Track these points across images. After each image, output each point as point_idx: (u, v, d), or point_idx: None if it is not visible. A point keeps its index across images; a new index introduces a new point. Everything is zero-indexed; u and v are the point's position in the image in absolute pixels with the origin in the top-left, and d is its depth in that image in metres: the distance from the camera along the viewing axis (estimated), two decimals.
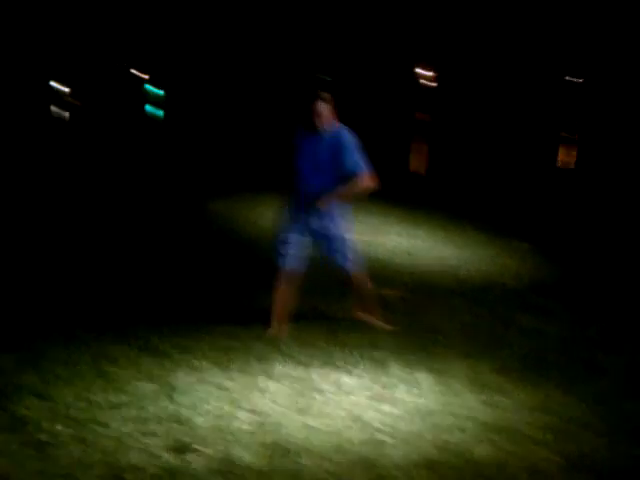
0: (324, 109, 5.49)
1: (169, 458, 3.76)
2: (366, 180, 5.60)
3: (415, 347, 5.50)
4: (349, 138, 5.57)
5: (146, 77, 23.71)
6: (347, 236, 5.76)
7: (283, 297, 5.60)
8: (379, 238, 9.64)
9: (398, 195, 13.81)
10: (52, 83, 20.29)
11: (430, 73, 20.12)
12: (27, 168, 12.95)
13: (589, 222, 12.15)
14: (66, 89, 21.84)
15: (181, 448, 3.86)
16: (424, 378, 4.90)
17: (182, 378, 4.63)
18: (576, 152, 19.04)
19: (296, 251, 5.60)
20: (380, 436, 4.11)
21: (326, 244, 5.67)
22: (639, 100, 16.38)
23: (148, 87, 23.14)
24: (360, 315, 5.90)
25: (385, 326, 5.83)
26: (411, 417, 4.37)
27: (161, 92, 23.51)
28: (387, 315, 6.20)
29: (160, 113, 23.35)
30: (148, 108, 22.99)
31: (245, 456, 3.83)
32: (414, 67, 19.87)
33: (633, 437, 4.35)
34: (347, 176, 5.54)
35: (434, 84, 20.24)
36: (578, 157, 19.02)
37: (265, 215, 10.37)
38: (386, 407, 4.46)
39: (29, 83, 19.75)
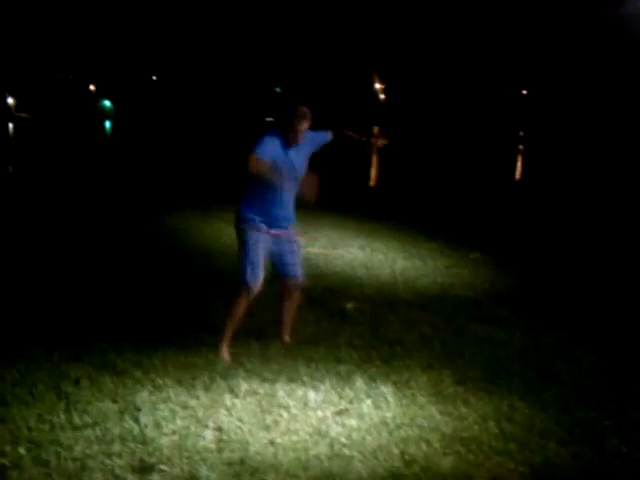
0: (304, 126, 5.39)
1: (132, 478, 3.71)
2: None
3: (378, 360, 5.52)
4: (311, 133, 5.57)
5: (93, 88, 23.44)
6: (299, 249, 5.72)
7: (240, 318, 5.44)
8: (337, 251, 9.69)
9: (355, 207, 13.92)
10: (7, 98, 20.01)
11: (379, 85, 20.34)
12: None
13: (540, 231, 12.41)
14: (11, 101, 21.49)
15: (146, 468, 3.82)
16: (388, 391, 4.92)
17: (145, 397, 4.57)
18: (521, 163, 19.42)
19: (260, 268, 5.43)
20: (347, 451, 4.12)
21: (284, 257, 5.56)
22: (582, 111, 16.82)
23: (104, 102, 22.93)
24: (286, 340, 5.77)
25: (290, 343, 5.74)
26: (377, 431, 4.38)
27: (109, 103, 23.27)
28: (346, 329, 6.25)
29: (107, 125, 23.10)
30: (106, 124, 22.79)
31: (211, 475, 3.80)
32: (371, 81, 20.08)
33: (595, 445, 4.43)
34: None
35: (382, 96, 20.46)
36: (524, 168, 19.41)
37: (218, 229, 10.35)
38: (352, 422, 4.47)
39: None
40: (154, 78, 21.78)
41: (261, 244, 5.36)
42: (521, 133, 18.63)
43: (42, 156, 17.87)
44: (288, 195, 5.41)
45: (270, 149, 5.25)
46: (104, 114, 23.16)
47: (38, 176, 14.79)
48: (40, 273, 7.40)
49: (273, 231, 5.42)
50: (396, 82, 18.63)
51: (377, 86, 19.17)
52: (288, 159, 5.38)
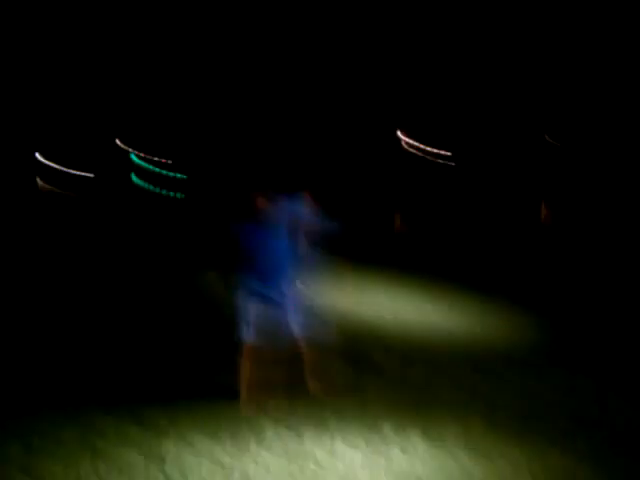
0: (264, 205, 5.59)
1: None
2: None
3: (406, 408, 5.43)
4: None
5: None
6: (302, 299, 5.71)
7: (248, 373, 5.42)
8: (364, 301, 9.63)
9: (380, 256, 13.87)
10: (38, 156, 20.40)
11: (409, 140, 20.41)
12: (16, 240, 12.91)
13: (572, 277, 12.24)
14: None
15: None
16: (417, 438, 4.83)
17: (171, 447, 4.53)
18: (546, 207, 19.34)
19: (258, 323, 5.47)
20: None
21: (284, 310, 5.54)
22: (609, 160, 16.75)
23: (133, 157, 23.32)
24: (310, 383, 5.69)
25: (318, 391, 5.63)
26: (406, 477, 4.28)
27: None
28: (374, 378, 6.18)
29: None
30: (134, 178, 23.12)
31: None
32: (395, 131, 20.18)
33: None
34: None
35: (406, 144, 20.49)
36: (553, 214, 19.29)
37: None
38: (381, 472, 4.38)
39: (15, 155, 19.86)
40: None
41: (249, 307, 5.47)
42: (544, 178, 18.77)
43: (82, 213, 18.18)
44: (271, 265, 5.52)
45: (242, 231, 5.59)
46: (133, 165, 23.59)
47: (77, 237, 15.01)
48: (77, 329, 7.44)
49: (266, 291, 5.49)
50: (419, 132, 18.92)
51: (402, 135, 19.46)
52: (259, 235, 5.58)
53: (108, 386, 5.59)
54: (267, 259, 5.55)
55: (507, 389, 6.07)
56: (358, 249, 14.43)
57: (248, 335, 5.43)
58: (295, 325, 5.57)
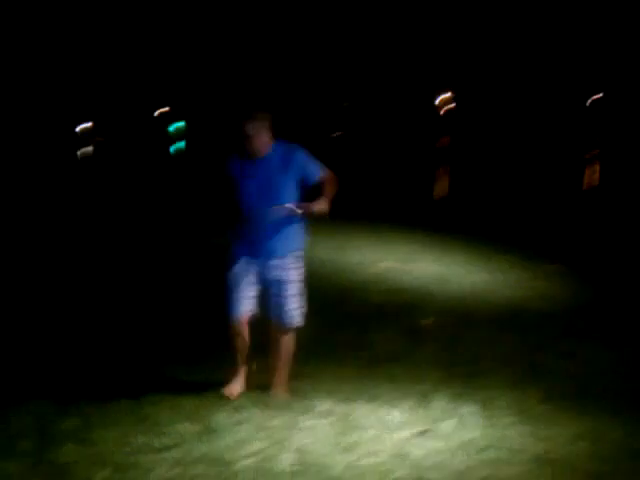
0: (256, 130, 4.65)
1: None
2: (333, 178, 4.81)
3: (459, 378, 5.36)
4: (297, 150, 4.79)
5: (166, 110, 23.85)
6: (298, 284, 4.87)
7: (242, 350, 4.87)
8: (411, 265, 9.54)
9: (423, 221, 13.73)
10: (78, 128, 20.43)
11: (448, 94, 20.03)
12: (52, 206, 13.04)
13: (618, 240, 11.98)
14: (89, 124, 21.94)
15: None
16: (472, 411, 4.75)
17: (223, 418, 4.51)
18: (599, 169, 18.89)
19: (243, 298, 4.78)
20: (430, 474, 3.96)
21: (277, 290, 4.80)
22: None
23: (175, 125, 23.24)
24: (278, 392, 4.95)
25: (284, 395, 4.93)
26: (462, 453, 4.21)
27: (182, 124, 23.63)
28: (424, 345, 6.11)
29: (181, 145, 23.46)
30: (173, 148, 23.13)
31: None
32: (434, 91, 19.83)
33: None
34: (309, 186, 4.79)
35: (452, 105, 20.16)
36: (602, 174, 18.86)
37: None
38: (435, 443, 4.31)
39: (55, 127, 19.95)
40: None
41: (244, 273, 4.75)
42: (594, 140, 18.22)
43: (116, 179, 18.26)
44: (262, 220, 4.70)
45: (226, 165, 4.79)
46: (175, 136, 23.55)
47: (112, 200, 15.09)
48: (125, 289, 7.50)
49: (254, 266, 4.76)
50: (465, 90, 18.44)
51: (446, 95, 19.01)
52: (252, 170, 4.70)
53: (162, 355, 5.60)
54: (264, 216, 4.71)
55: (561, 358, 5.96)
56: (400, 214, 14.30)
57: (227, 309, 4.81)
58: (274, 312, 4.86)
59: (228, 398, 4.74)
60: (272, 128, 4.75)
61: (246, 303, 4.77)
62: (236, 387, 4.84)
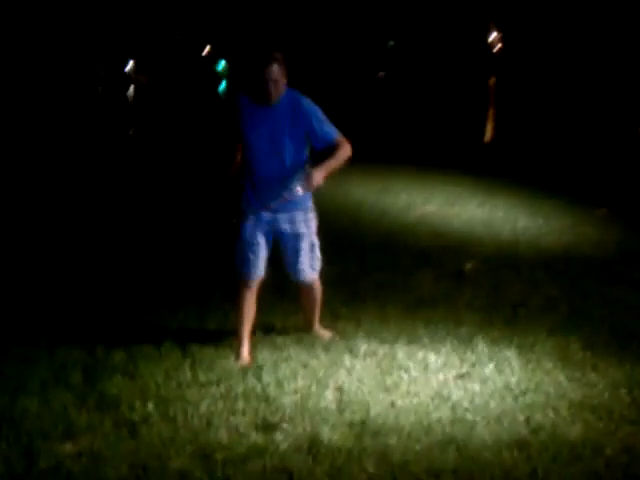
0: (278, 73, 4.29)
1: (256, 437, 3.75)
2: (347, 147, 4.44)
3: (501, 323, 5.37)
4: (309, 103, 4.44)
5: (209, 49, 23.70)
6: (314, 237, 4.66)
7: (250, 315, 4.64)
8: (455, 209, 9.49)
9: (470, 164, 13.57)
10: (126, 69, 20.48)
11: (495, 35, 19.50)
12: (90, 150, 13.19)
13: None
14: (130, 63, 21.95)
15: (268, 427, 3.84)
16: (512, 355, 4.77)
17: (267, 356, 4.61)
18: None
19: (257, 258, 4.54)
20: (470, 416, 4.02)
21: (289, 246, 4.60)
22: None
23: (219, 63, 23.15)
24: (319, 331, 4.96)
25: (328, 333, 4.96)
26: (501, 396, 4.25)
27: (221, 67, 23.49)
28: (466, 290, 6.11)
29: (221, 87, 23.37)
30: (220, 88, 23.06)
31: (332, 436, 3.78)
32: (483, 32, 19.34)
33: None
34: (317, 148, 4.48)
35: (499, 46, 19.65)
36: None
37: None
38: (475, 386, 4.36)
39: (104, 67, 20.03)
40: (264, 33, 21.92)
41: (254, 232, 4.51)
42: None
43: (160, 118, 18.34)
44: (278, 170, 4.41)
45: (233, 108, 4.45)
46: (219, 75, 23.46)
47: (156, 139, 15.20)
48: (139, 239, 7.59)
49: (265, 218, 4.52)
50: (514, 31, 17.83)
51: (493, 36, 18.44)
52: (262, 118, 4.38)
53: (206, 293, 5.70)
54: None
55: (605, 305, 5.91)
56: (447, 156, 14.16)
57: (239, 270, 4.58)
58: (293, 268, 4.65)
59: (245, 366, 4.48)
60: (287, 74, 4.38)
61: (261, 266, 4.55)
62: (247, 353, 4.60)
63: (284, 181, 4.39)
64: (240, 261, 4.56)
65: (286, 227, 4.55)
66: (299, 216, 4.55)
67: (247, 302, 4.60)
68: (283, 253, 4.65)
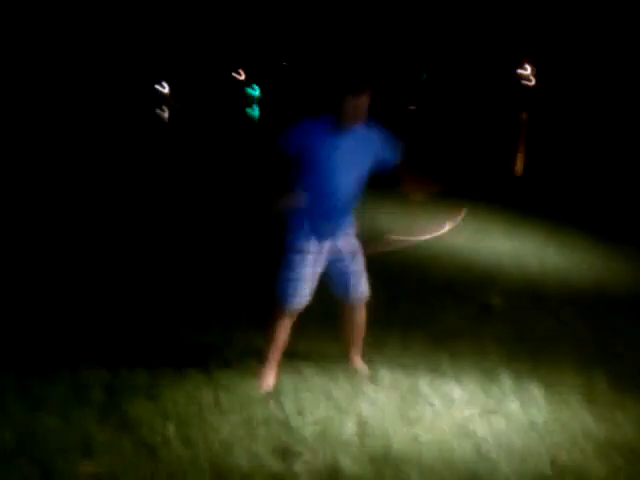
0: (363, 104, 4.34)
1: (275, 464, 3.72)
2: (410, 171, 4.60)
3: (526, 357, 5.30)
4: (380, 129, 4.54)
5: (242, 78, 23.98)
6: (361, 255, 4.66)
7: (284, 342, 4.62)
8: (483, 242, 9.43)
9: (499, 197, 13.51)
10: (156, 86, 20.78)
11: (529, 69, 19.50)
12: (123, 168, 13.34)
13: None
14: (166, 90, 22.26)
15: (287, 454, 3.81)
16: (537, 391, 4.70)
17: (289, 383, 4.58)
18: None
19: (306, 286, 4.49)
20: (494, 454, 3.95)
21: (339, 276, 4.61)
22: None
23: (248, 90, 23.43)
24: (355, 363, 4.88)
25: (364, 368, 4.85)
26: (525, 433, 4.19)
27: (257, 92, 23.76)
28: (491, 323, 6.05)
29: (256, 113, 23.62)
30: (249, 111, 23.31)
31: (352, 466, 3.74)
32: (515, 66, 19.35)
33: None
34: (385, 170, 4.57)
35: (532, 81, 19.64)
36: None
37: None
38: (499, 421, 4.29)
39: (135, 86, 20.35)
40: (285, 64, 22.32)
41: (309, 261, 4.46)
42: None
43: (194, 143, 18.54)
44: (342, 196, 4.43)
45: (305, 133, 4.38)
46: (251, 100, 23.73)
47: (192, 161, 15.36)
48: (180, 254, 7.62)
49: (325, 247, 4.49)
50: (548, 66, 17.80)
51: (526, 70, 18.41)
52: (339, 146, 4.37)
53: (232, 318, 5.68)
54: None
55: (634, 344, 5.82)
56: (477, 188, 14.10)
57: (284, 298, 4.51)
58: (349, 290, 4.65)
59: (266, 391, 4.47)
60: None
61: (307, 295, 4.50)
62: (272, 379, 4.57)
63: (348, 208, 4.50)
64: (288, 291, 4.47)
65: (344, 246, 4.54)
66: (351, 237, 4.59)
67: (285, 329, 4.56)
68: (339, 275, 4.60)
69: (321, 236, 4.46)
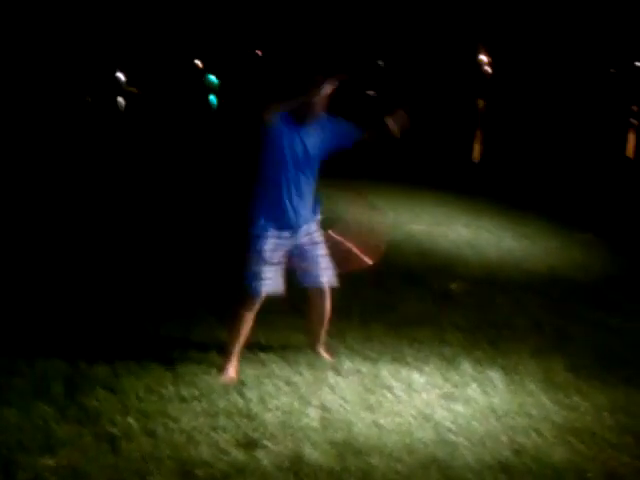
0: (324, 95, 4.43)
1: (238, 454, 3.72)
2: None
3: (485, 343, 5.37)
4: (330, 116, 4.62)
5: (200, 64, 23.75)
6: (324, 244, 4.73)
7: (247, 333, 4.63)
8: (442, 229, 9.51)
9: (458, 184, 13.63)
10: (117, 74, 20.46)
11: (485, 57, 19.69)
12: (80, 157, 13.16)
13: None
14: (122, 77, 21.95)
15: (250, 444, 3.82)
16: (496, 376, 4.77)
17: (250, 372, 4.58)
18: (635, 139, 18.46)
19: (270, 276, 4.53)
20: (453, 437, 4.01)
21: (308, 255, 4.65)
22: None
23: (210, 77, 23.21)
24: (321, 352, 4.92)
25: (328, 357, 4.89)
26: (485, 417, 4.25)
27: (214, 78, 23.57)
28: (451, 310, 6.12)
29: (214, 100, 23.44)
30: (212, 98, 23.11)
31: (315, 454, 3.76)
32: (475, 54, 19.50)
33: None
34: (348, 144, 4.64)
35: (489, 69, 19.85)
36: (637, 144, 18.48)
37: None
38: (459, 406, 4.35)
39: (95, 74, 20.06)
40: (258, 53, 22.09)
41: (274, 252, 4.53)
42: (635, 108, 17.72)
43: (151, 130, 18.33)
44: (304, 188, 4.53)
45: (280, 126, 4.44)
46: (209, 89, 23.54)
47: (148, 150, 15.20)
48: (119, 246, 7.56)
49: (287, 236, 4.56)
50: (504, 53, 17.97)
51: (482, 58, 18.56)
52: (299, 140, 4.47)
53: (189, 308, 5.67)
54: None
55: (589, 328, 5.93)
56: (434, 176, 14.21)
57: (249, 288, 4.55)
58: (314, 278, 4.69)
59: (228, 383, 4.44)
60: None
61: (271, 284, 4.54)
62: (234, 371, 4.57)
63: (307, 199, 4.57)
64: (251, 276, 4.52)
65: (304, 239, 4.62)
66: (313, 227, 4.66)
67: (248, 319, 4.59)
68: (300, 264, 4.66)
69: (281, 224, 4.53)
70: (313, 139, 4.51)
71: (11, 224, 8.07)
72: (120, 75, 20.78)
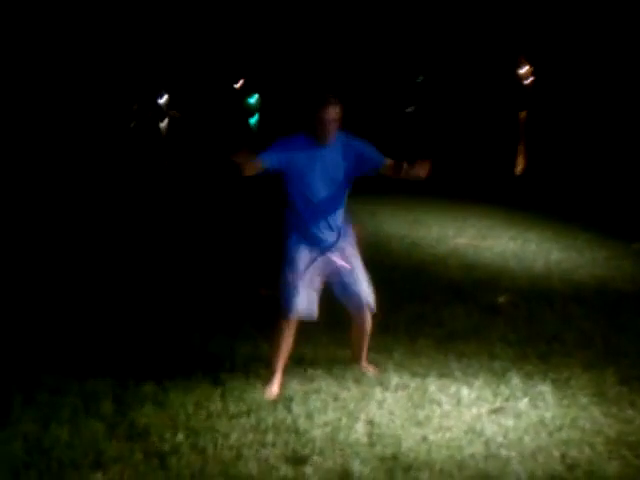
0: (335, 115, 4.48)
1: (287, 470, 3.71)
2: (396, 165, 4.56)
3: (535, 357, 5.28)
4: (354, 138, 4.64)
5: (241, 83, 23.97)
6: (361, 265, 4.72)
7: (288, 348, 4.63)
8: (487, 242, 9.42)
9: (503, 197, 13.51)
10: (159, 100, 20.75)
11: (526, 68, 19.50)
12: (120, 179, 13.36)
13: None
14: (163, 100, 22.23)
15: (299, 460, 3.81)
16: (547, 390, 4.69)
17: (297, 388, 4.58)
18: None
19: (304, 294, 4.53)
20: (504, 452, 3.94)
21: (342, 277, 4.64)
22: None
23: (249, 100, 23.44)
24: (365, 367, 4.94)
25: (374, 372, 4.90)
26: (536, 432, 4.17)
27: (254, 99, 23.81)
28: (498, 323, 6.04)
29: (253, 120, 23.67)
30: (251, 120, 23.34)
31: (364, 470, 3.73)
32: (515, 66, 19.33)
33: None
34: (369, 172, 4.62)
35: (530, 80, 19.63)
36: None
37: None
38: (509, 421, 4.28)
39: (137, 100, 20.40)
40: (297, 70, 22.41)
41: (306, 264, 4.54)
42: None
43: (192, 151, 18.57)
44: (327, 207, 4.56)
45: (287, 148, 4.50)
46: (250, 110, 23.79)
47: (190, 170, 15.39)
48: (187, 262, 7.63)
49: (320, 255, 4.58)
50: (545, 64, 17.75)
51: (524, 69, 18.38)
52: (319, 158, 4.50)
53: (236, 324, 5.69)
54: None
55: (638, 339, 5.80)
56: (479, 189, 14.11)
57: (284, 305, 4.55)
58: (350, 299, 4.69)
59: (273, 398, 4.46)
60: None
61: (308, 300, 4.54)
62: (278, 386, 4.58)
63: (332, 220, 4.56)
64: (287, 294, 4.53)
65: (340, 262, 4.60)
66: (348, 249, 4.64)
67: (287, 334, 4.58)
68: (340, 287, 4.66)
69: (313, 243, 4.56)
70: (334, 159, 4.53)
71: (62, 246, 8.23)
72: (161, 99, 21.08)
